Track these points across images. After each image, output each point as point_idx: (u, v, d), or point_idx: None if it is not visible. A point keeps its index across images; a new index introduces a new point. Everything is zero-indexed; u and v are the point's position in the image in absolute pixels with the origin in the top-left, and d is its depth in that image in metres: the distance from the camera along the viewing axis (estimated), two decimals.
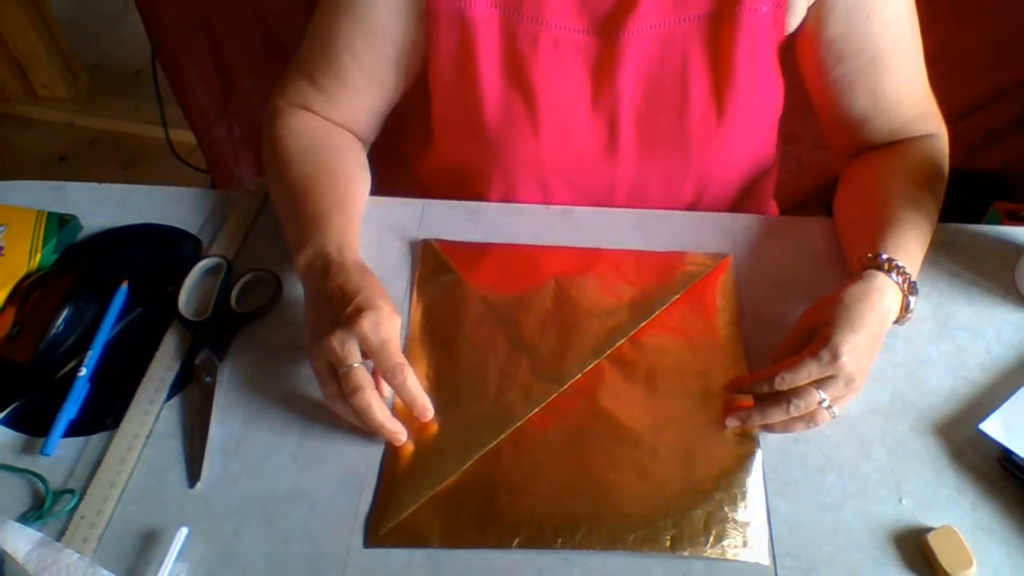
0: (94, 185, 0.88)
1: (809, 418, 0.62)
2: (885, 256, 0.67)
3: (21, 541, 0.56)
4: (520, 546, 0.58)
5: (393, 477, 0.63)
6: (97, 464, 0.64)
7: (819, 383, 0.61)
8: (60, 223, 0.81)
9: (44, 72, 2.29)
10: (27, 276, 0.77)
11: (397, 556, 0.59)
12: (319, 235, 0.70)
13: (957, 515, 0.60)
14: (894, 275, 0.66)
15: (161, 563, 0.57)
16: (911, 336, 0.71)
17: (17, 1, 2.09)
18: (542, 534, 0.59)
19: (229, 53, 1.49)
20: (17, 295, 0.75)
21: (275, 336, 0.73)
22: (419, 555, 0.59)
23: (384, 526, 0.60)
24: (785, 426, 0.63)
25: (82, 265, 0.80)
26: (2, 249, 0.78)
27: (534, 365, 0.69)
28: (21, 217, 0.81)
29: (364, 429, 0.63)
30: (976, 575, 0.56)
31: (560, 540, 0.59)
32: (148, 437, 0.66)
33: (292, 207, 0.74)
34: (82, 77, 2.37)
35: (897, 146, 0.79)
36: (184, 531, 0.59)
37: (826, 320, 0.63)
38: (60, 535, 0.60)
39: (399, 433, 0.63)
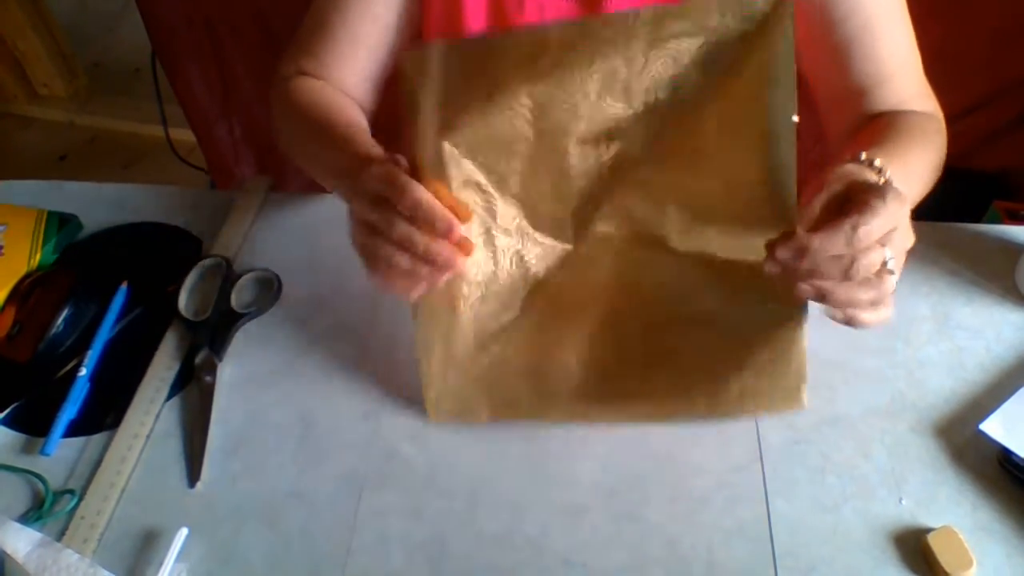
0: (94, 185, 0.88)
1: (865, 282, 0.53)
2: (875, 161, 0.57)
3: (21, 541, 0.56)
4: (568, 414, 0.64)
5: (448, 343, 0.65)
6: (97, 464, 0.64)
7: (883, 242, 0.52)
8: (60, 223, 0.81)
9: (44, 71, 2.29)
10: (27, 275, 0.77)
11: (397, 556, 0.59)
12: (352, 152, 0.67)
13: (957, 515, 0.60)
14: (871, 171, 0.57)
15: (161, 563, 0.57)
16: (911, 336, 0.71)
17: (17, 1, 2.09)
18: (585, 401, 0.64)
19: (229, 53, 1.48)
20: (17, 295, 0.75)
21: (275, 336, 0.73)
22: (419, 555, 0.59)
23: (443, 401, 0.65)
24: (831, 294, 0.54)
25: (82, 265, 0.80)
26: (2, 248, 0.78)
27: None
28: (21, 216, 0.81)
29: (420, 277, 0.58)
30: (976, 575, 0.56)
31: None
32: (148, 437, 0.66)
33: (316, 141, 0.73)
34: (82, 76, 2.37)
35: (906, 112, 0.75)
36: (184, 531, 0.59)
37: (857, 174, 0.55)
38: (60, 535, 0.60)
39: (453, 255, 0.57)
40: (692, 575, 0.57)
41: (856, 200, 0.53)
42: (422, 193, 0.57)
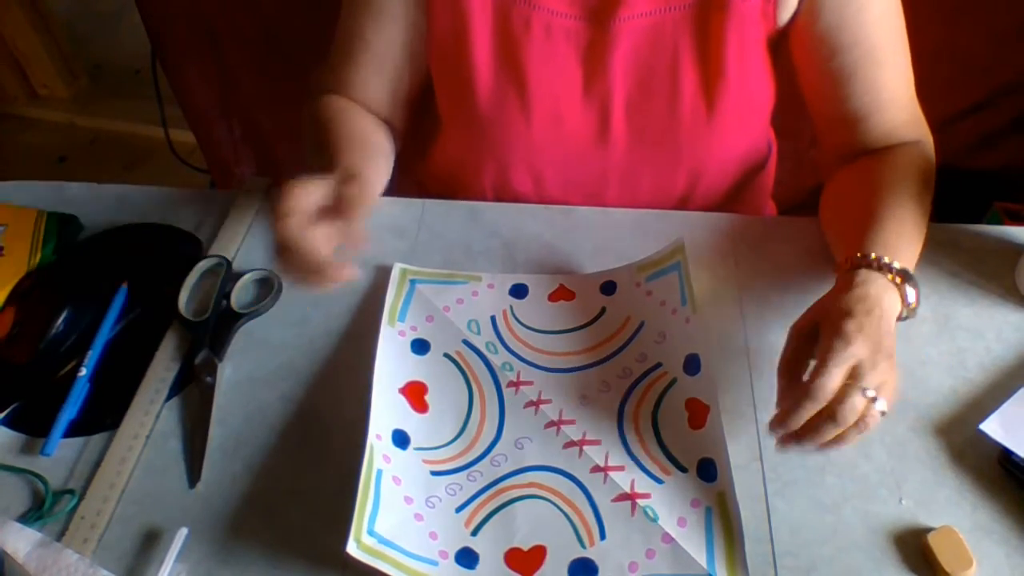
0: (94, 185, 0.88)
1: (861, 423, 0.57)
2: (872, 255, 0.64)
3: (21, 541, 0.56)
4: None
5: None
6: (97, 464, 0.64)
7: (853, 379, 0.57)
8: (60, 223, 0.81)
9: (44, 72, 2.29)
10: (27, 276, 0.77)
11: None
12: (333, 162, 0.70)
13: (957, 515, 0.60)
14: (881, 270, 0.64)
15: (161, 563, 0.57)
16: (911, 336, 0.71)
17: (17, 1, 2.09)
18: None
19: (229, 53, 1.48)
20: (17, 295, 0.75)
21: (275, 336, 0.73)
22: None
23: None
24: (841, 440, 0.57)
25: (82, 265, 0.80)
26: (2, 249, 0.78)
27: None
28: (21, 217, 0.81)
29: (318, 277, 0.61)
30: (976, 575, 0.56)
31: None
32: (148, 437, 0.66)
33: (316, 155, 0.76)
34: (82, 77, 2.37)
35: (885, 152, 0.78)
36: (184, 531, 0.59)
37: (822, 314, 0.62)
38: (60, 535, 0.60)
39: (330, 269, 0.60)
40: None
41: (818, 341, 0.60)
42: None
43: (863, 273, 0.63)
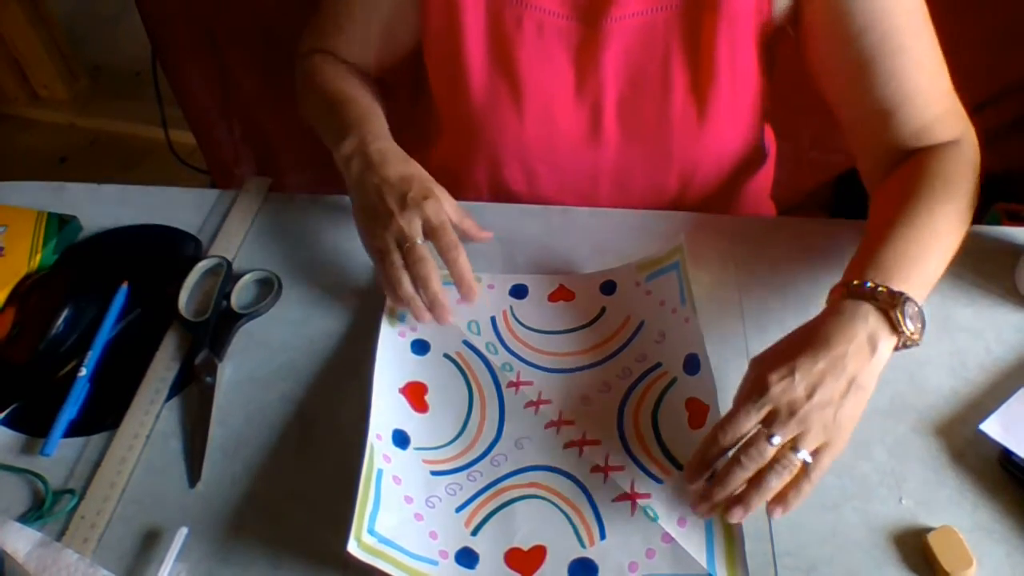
0: (94, 186, 0.88)
1: (786, 474, 0.55)
2: (856, 282, 0.60)
3: (21, 541, 0.56)
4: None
5: None
6: (97, 464, 0.64)
7: (768, 426, 0.55)
8: (60, 224, 0.81)
9: (44, 73, 2.29)
10: (27, 276, 0.77)
11: None
12: (362, 130, 0.75)
13: (957, 515, 0.60)
14: (864, 298, 0.59)
15: (161, 563, 0.57)
16: None
17: (17, 1, 2.10)
18: None
19: (229, 53, 1.48)
20: (17, 296, 0.75)
21: (275, 336, 0.73)
22: None
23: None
24: (764, 494, 0.55)
25: (82, 265, 0.80)
26: (2, 250, 0.78)
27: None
28: (21, 218, 0.81)
29: (415, 305, 0.68)
30: (976, 575, 0.56)
31: None
32: (148, 437, 0.66)
33: (330, 114, 0.79)
34: (82, 78, 2.37)
35: (917, 158, 0.72)
36: (184, 531, 0.59)
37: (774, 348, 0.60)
38: (60, 535, 0.60)
39: (446, 309, 0.69)
40: None
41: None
42: (462, 258, 0.69)
43: (847, 304, 0.59)
